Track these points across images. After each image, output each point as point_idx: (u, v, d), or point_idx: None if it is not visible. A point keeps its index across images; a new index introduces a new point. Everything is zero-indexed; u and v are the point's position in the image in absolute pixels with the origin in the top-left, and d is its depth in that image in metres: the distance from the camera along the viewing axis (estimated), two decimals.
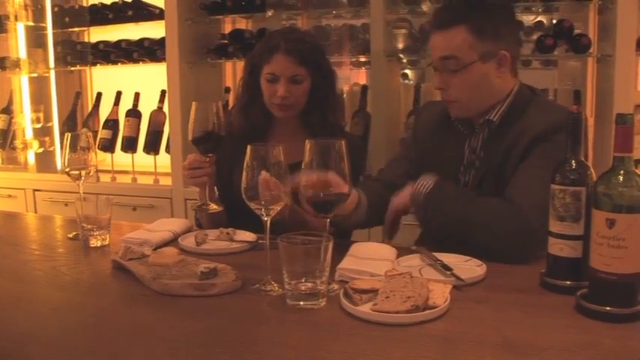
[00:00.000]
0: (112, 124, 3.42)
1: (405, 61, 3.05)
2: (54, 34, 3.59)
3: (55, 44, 3.60)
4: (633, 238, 1.09)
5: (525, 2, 2.76)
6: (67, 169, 1.76)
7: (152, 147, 3.35)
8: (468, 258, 1.45)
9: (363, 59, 3.04)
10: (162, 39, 3.22)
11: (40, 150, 3.69)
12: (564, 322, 1.12)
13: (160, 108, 3.33)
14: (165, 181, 3.29)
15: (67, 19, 3.57)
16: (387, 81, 2.90)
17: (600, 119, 2.74)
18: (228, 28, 3.39)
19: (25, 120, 3.68)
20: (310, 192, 1.28)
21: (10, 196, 3.58)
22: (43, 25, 3.60)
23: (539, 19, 3.01)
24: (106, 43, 3.52)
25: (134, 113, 3.38)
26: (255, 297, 1.28)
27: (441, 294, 1.18)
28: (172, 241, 1.71)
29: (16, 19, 3.58)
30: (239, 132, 1.93)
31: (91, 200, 1.69)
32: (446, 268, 1.37)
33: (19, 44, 3.62)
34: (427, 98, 2.82)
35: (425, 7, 2.78)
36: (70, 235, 1.80)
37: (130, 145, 3.37)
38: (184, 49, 3.17)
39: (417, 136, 1.90)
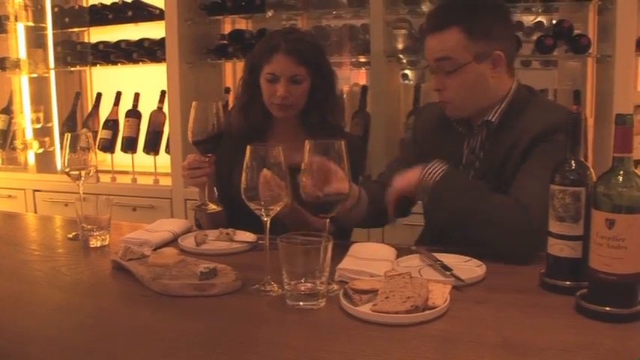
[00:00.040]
0: (111, 124, 3.42)
1: (404, 61, 3.06)
2: (54, 34, 3.59)
3: (55, 44, 3.61)
4: (633, 239, 1.09)
5: (525, 3, 2.76)
6: (66, 170, 1.76)
7: (152, 147, 3.35)
8: (467, 258, 1.45)
9: (363, 59, 3.04)
10: (162, 39, 3.22)
11: (40, 150, 3.70)
12: (564, 322, 1.12)
13: (159, 108, 3.33)
14: (165, 182, 3.29)
15: (67, 20, 3.57)
16: (386, 81, 2.91)
17: (600, 119, 2.74)
18: (228, 29, 3.39)
19: (25, 120, 3.68)
20: (310, 192, 1.28)
21: (10, 196, 3.58)
22: (43, 25, 3.60)
23: (539, 19, 3.01)
24: (105, 43, 3.52)
25: (134, 113, 3.38)
26: (254, 297, 1.28)
27: (440, 294, 1.18)
28: (172, 242, 1.71)
29: (16, 19, 3.58)
30: (238, 132, 1.93)
31: (90, 200, 1.69)
32: (445, 268, 1.37)
33: (19, 44, 3.62)
34: (427, 98, 2.82)
35: (425, 8, 2.78)
36: (70, 236, 1.80)
37: (129, 146, 3.37)
38: (184, 49, 3.17)
39: (416, 137, 1.91)
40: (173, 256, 1.45)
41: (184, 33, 3.17)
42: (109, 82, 3.65)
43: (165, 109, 3.28)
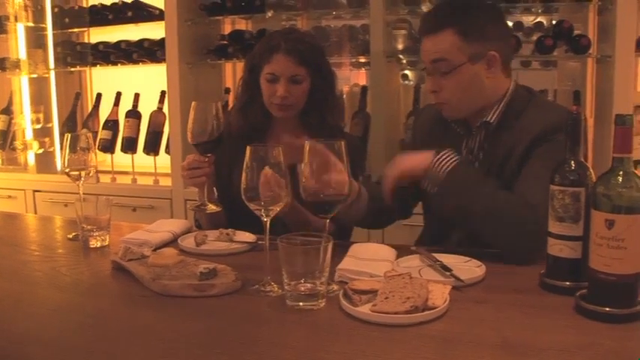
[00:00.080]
0: (111, 124, 3.42)
1: (404, 61, 3.06)
2: (54, 34, 3.59)
3: (55, 45, 3.61)
4: (632, 239, 1.09)
5: (525, 3, 2.76)
6: (66, 170, 1.76)
7: (152, 148, 3.35)
8: (467, 259, 1.45)
9: (362, 60, 3.04)
10: (162, 40, 3.22)
11: (40, 151, 3.70)
12: (564, 322, 1.12)
13: (159, 109, 3.33)
14: (165, 182, 3.29)
15: (66, 20, 3.57)
16: (386, 82, 2.91)
17: (600, 120, 2.74)
18: (227, 29, 3.39)
19: (25, 121, 3.68)
20: (310, 192, 1.28)
21: (10, 196, 3.58)
22: (43, 25, 3.60)
23: (538, 19, 3.01)
24: (105, 43, 3.52)
25: (134, 114, 3.38)
26: (254, 298, 1.28)
27: (440, 295, 1.18)
28: (172, 242, 1.71)
29: (16, 19, 3.58)
30: (238, 132, 1.93)
31: (90, 201, 1.69)
32: (445, 268, 1.37)
33: (19, 45, 3.62)
34: (427, 99, 2.81)
35: (425, 8, 2.78)
36: (70, 236, 1.80)
37: (129, 146, 3.37)
38: (184, 49, 3.17)
39: (415, 138, 1.91)
40: (173, 257, 1.45)
41: (184, 33, 3.17)
42: (109, 83, 3.65)
43: (165, 109, 3.28)
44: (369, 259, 1.44)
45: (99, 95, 3.59)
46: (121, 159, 3.46)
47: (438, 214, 1.72)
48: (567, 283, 1.25)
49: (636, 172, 1.12)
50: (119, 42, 3.47)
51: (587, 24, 2.87)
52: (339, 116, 2.06)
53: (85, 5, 3.70)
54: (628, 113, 1.13)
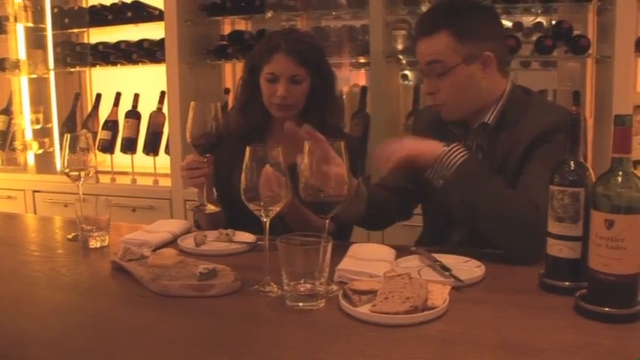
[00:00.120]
0: (111, 125, 3.42)
1: (404, 62, 3.06)
2: (53, 35, 3.59)
3: (55, 45, 3.61)
4: (632, 239, 1.09)
5: (525, 3, 2.77)
6: (66, 170, 1.76)
7: (151, 148, 3.35)
8: (466, 259, 1.45)
9: (362, 60, 3.04)
10: (162, 40, 3.22)
11: (40, 151, 3.70)
12: (563, 322, 1.12)
13: (159, 109, 3.33)
14: (165, 182, 3.29)
15: (66, 21, 3.57)
16: (386, 82, 2.91)
17: (599, 120, 2.74)
18: (227, 30, 3.39)
19: (25, 121, 3.68)
20: (309, 188, 1.28)
21: (9, 197, 3.58)
22: (43, 26, 3.60)
23: (538, 20, 3.01)
24: (105, 44, 3.52)
25: (133, 114, 3.38)
26: (254, 298, 1.28)
27: (439, 295, 1.18)
28: (171, 242, 1.71)
29: (15, 20, 3.59)
30: (237, 132, 1.94)
31: (90, 201, 1.69)
32: (445, 269, 1.37)
33: (18, 45, 3.62)
34: (427, 99, 2.81)
35: (424, 8, 2.78)
36: (70, 236, 1.80)
37: (129, 146, 3.37)
38: (184, 50, 3.18)
39: None
40: (172, 257, 1.45)
41: (184, 34, 3.17)
42: (108, 83, 3.65)
43: (165, 109, 3.28)
44: (369, 259, 1.44)
45: (98, 96, 3.59)
46: (120, 159, 3.46)
47: (442, 208, 1.71)
48: (567, 283, 1.25)
49: (635, 172, 1.13)
50: (119, 42, 3.47)
51: (587, 24, 2.88)
52: (338, 116, 2.06)
53: (84, 6, 3.71)
54: (627, 113, 1.14)
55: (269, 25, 3.16)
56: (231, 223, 1.81)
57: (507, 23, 2.98)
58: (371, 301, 1.17)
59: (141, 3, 3.39)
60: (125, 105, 3.42)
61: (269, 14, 3.08)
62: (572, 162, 1.25)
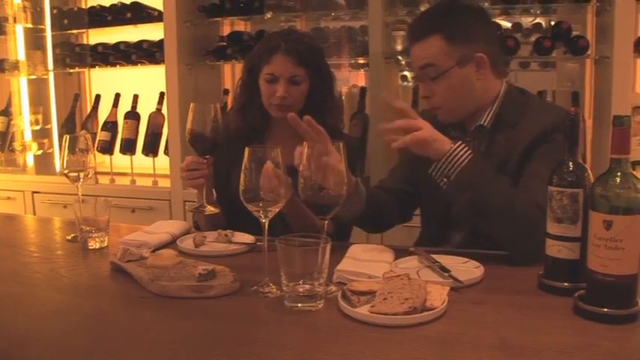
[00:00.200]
0: (110, 126, 3.42)
1: (403, 62, 3.06)
2: (53, 36, 3.59)
3: (54, 46, 3.60)
4: (630, 240, 1.09)
5: (524, 4, 2.77)
6: (65, 171, 1.76)
7: (151, 149, 3.35)
8: (465, 260, 1.46)
9: (361, 61, 3.04)
10: (161, 41, 3.22)
11: (39, 152, 3.70)
12: (562, 323, 1.12)
13: (158, 110, 3.33)
14: (164, 183, 3.29)
15: (65, 21, 3.57)
16: (385, 83, 2.91)
17: (598, 121, 2.74)
18: (226, 30, 3.39)
19: (24, 122, 3.68)
20: (309, 192, 1.28)
21: (8, 198, 3.58)
22: (42, 27, 3.60)
23: (537, 20, 3.01)
24: (104, 45, 3.52)
25: (133, 115, 3.38)
26: (253, 299, 1.28)
27: (438, 296, 1.18)
28: (170, 243, 1.71)
29: (15, 21, 3.59)
30: (236, 133, 1.94)
31: (89, 202, 1.69)
32: (444, 269, 1.37)
33: (17, 46, 3.63)
34: (424, 102, 2.82)
35: (423, 9, 2.78)
36: (69, 237, 1.80)
37: (128, 147, 3.37)
38: (183, 51, 3.17)
39: None
40: (172, 258, 1.45)
41: (183, 35, 3.17)
42: (107, 84, 3.65)
43: (164, 110, 3.28)
44: (368, 260, 1.44)
45: (98, 96, 3.59)
46: (119, 160, 3.46)
47: (441, 209, 1.71)
48: (565, 283, 1.25)
49: (634, 173, 1.13)
50: (118, 43, 3.47)
51: (586, 25, 2.88)
52: (337, 117, 2.06)
53: (83, 6, 3.70)
54: (626, 114, 1.14)
55: (268, 26, 3.16)
56: (230, 224, 1.81)
57: (506, 24, 2.99)
58: (370, 301, 1.17)
59: (140, 4, 3.39)
60: (124, 106, 3.42)
61: (268, 15, 3.08)
62: (570, 163, 1.25)
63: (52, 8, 3.56)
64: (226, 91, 3.36)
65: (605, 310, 1.11)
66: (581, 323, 1.11)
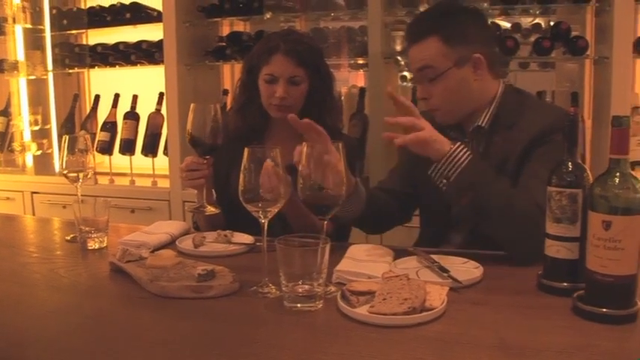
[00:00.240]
0: (110, 126, 3.42)
1: (402, 63, 3.06)
2: (52, 36, 3.59)
3: (53, 47, 3.60)
4: (629, 240, 1.09)
5: (523, 4, 2.77)
6: (64, 172, 1.76)
7: (150, 149, 3.35)
8: (465, 260, 1.46)
9: (361, 61, 3.04)
10: (160, 41, 3.22)
11: (38, 152, 3.70)
12: (561, 323, 1.12)
13: (158, 110, 3.33)
14: (163, 184, 3.29)
15: (65, 22, 3.57)
16: (385, 83, 2.90)
17: (598, 121, 2.74)
18: (226, 31, 3.39)
19: (23, 122, 3.68)
20: (308, 192, 1.28)
21: (8, 198, 3.58)
22: (41, 27, 3.60)
23: (536, 21, 3.02)
24: (104, 45, 3.52)
25: (132, 116, 3.38)
26: (252, 299, 1.28)
27: (437, 296, 1.18)
28: (170, 244, 1.71)
29: (14, 21, 3.58)
30: (236, 133, 1.94)
31: (89, 202, 1.70)
32: (443, 270, 1.37)
33: (17, 46, 3.63)
34: (422, 104, 2.82)
35: (422, 9, 2.78)
36: (68, 238, 1.80)
37: (128, 148, 3.37)
38: (182, 51, 3.18)
39: None
40: (171, 258, 1.45)
41: (182, 35, 3.17)
42: (107, 84, 3.65)
43: (164, 111, 3.28)
44: (367, 260, 1.45)
45: (97, 97, 3.59)
46: (119, 161, 3.46)
47: (440, 210, 1.71)
48: (565, 284, 1.25)
49: (633, 173, 1.13)
50: (117, 43, 3.47)
51: (585, 25, 2.88)
52: (337, 117, 2.06)
53: (83, 7, 3.70)
54: (625, 115, 1.14)
55: (267, 27, 3.16)
56: (229, 225, 1.81)
57: (506, 24, 2.99)
58: (369, 302, 1.17)
59: (139, 4, 3.39)
60: (124, 106, 3.42)
61: (267, 15, 3.08)
62: (569, 163, 1.25)
63: (51, 8, 3.56)
64: (226, 92, 3.36)
65: (605, 310, 1.11)
66: (581, 323, 1.11)
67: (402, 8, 2.92)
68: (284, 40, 1.89)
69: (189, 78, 3.23)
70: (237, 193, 1.29)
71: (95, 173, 3.15)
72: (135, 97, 3.38)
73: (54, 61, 3.62)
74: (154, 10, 3.35)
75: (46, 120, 3.71)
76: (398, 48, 2.94)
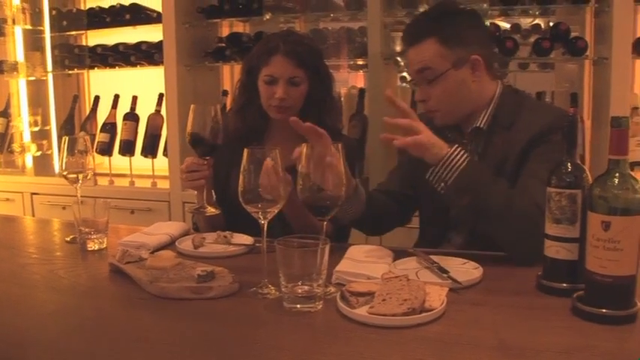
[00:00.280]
0: (109, 127, 3.42)
1: (402, 63, 3.06)
2: (52, 37, 3.58)
3: (53, 48, 3.60)
4: (628, 241, 1.09)
5: (522, 5, 2.77)
6: (64, 173, 1.76)
7: (150, 150, 3.35)
8: (464, 261, 1.46)
9: (360, 62, 3.05)
10: (160, 42, 3.22)
11: (38, 153, 3.70)
12: (561, 324, 1.12)
13: (157, 111, 3.33)
14: (163, 185, 3.29)
15: (64, 23, 3.57)
16: (384, 84, 2.91)
17: (597, 121, 2.75)
18: (225, 32, 3.40)
19: (23, 123, 3.68)
20: (308, 193, 1.28)
21: (7, 199, 3.58)
22: (41, 28, 3.60)
23: (536, 22, 3.02)
24: (103, 46, 3.52)
25: (132, 117, 3.38)
26: (252, 300, 1.28)
27: (437, 297, 1.18)
28: (170, 245, 1.71)
29: (13, 22, 3.59)
30: (235, 134, 1.94)
31: (88, 204, 1.70)
32: (442, 270, 1.37)
33: (16, 48, 3.63)
34: (421, 105, 2.82)
35: (422, 10, 2.78)
36: (68, 239, 1.80)
37: (127, 149, 3.37)
38: (182, 52, 3.18)
39: None
40: (170, 259, 1.45)
41: (182, 36, 3.17)
42: (106, 85, 3.65)
43: (163, 112, 3.28)
44: (367, 261, 1.45)
45: (97, 98, 3.59)
46: (118, 162, 3.46)
47: (440, 211, 1.71)
48: (564, 284, 1.25)
49: (632, 174, 1.13)
50: (117, 45, 3.47)
51: (584, 26, 2.88)
52: (336, 118, 2.06)
53: (82, 8, 3.70)
54: (624, 115, 1.14)
55: (267, 28, 3.16)
56: (229, 225, 1.81)
57: (505, 25, 2.99)
58: (369, 302, 1.17)
59: (139, 5, 3.39)
60: (123, 107, 3.42)
61: (267, 16, 3.08)
62: (569, 164, 1.25)
63: (50, 9, 3.56)
64: (225, 93, 3.37)
65: (604, 310, 1.11)
66: (580, 324, 1.11)
67: (402, 9, 2.92)
68: (283, 41, 1.89)
69: (189, 79, 3.23)
70: (236, 194, 1.29)
71: (95, 174, 3.15)
72: (134, 98, 3.38)
73: (53, 62, 3.61)
74: (153, 11, 3.35)
75: (45, 121, 3.71)
76: (397, 49, 2.94)
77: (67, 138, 1.75)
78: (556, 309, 1.18)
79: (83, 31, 3.59)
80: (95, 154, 3.31)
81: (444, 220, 1.76)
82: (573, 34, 2.73)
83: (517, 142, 1.60)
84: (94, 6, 3.55)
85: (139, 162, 3.40)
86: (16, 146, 3.68)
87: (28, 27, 3.63)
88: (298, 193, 1.29)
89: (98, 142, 3.39)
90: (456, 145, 1.51)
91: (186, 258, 1.52)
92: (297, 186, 1.29)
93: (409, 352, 1.02)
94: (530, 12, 2.88)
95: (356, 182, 1.59)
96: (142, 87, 3.43)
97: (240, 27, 3.42)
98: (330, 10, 3.07)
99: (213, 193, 1.88)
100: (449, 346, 1.04)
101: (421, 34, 1.67)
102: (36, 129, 3.71)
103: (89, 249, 1.68)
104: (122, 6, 3.40)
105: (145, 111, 3.36)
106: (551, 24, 2.88)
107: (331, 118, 1.97)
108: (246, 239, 1.70)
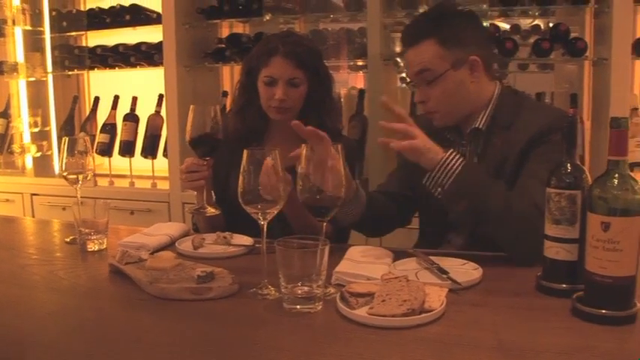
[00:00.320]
0: (109, 128, 3.42)
1: (402, 64, 3.06)
2: (52, 38, 3.59)
3: (53, 48, 3.60)
4: (628, 241, 1.09)
5: (522, 6, 2.77)
6: (64, 173, 1.76)
7: (150, 151, 3.35)
8: (464, 261, 1.46)
9: (360, 63, 3.05)
10: (160, 43, 3.22)
11: (38, 154, 3.70)
12: (560, 325, 1.12)
13: (157, 112, 3.33)
14: (163, 185, 3.29)
15: (64, 24, 3.57)
16: (384, 85, 2.91)
17: (597, 122, 2.75)
18: (225, 33, 3.40)
19: (23, 124, 3.68)
20: (307, 195, 1.28)
21: (7, 200, 3.58)
22: (41, 29, 3.60)
23: (535, 22, 3.02)
24: (103, 47, 3.52)
25: (132, 117, 3.38)
26: (251, 301, 1.28)
27: (437, 297, 1.18)
28: (169, 245, 1.71)
29: (13, 23, 3.59)
30: (235, 135, 1.94)
31: (88, 204, 1.70)
32: (442, 271, 1.37)
33: (16, 48, 3.63)
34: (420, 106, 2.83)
35: (422, 11, 2.78)
36: (68, 240, 1.80)
37: (127, 150, 3.37)
38: (182, 53, 3.18)
39: None
40: (170, 260, 1.45)
41: (182, 37, 3.17)
42: (106, 86, 3.65)
43: (163, 112, 3.28)
44: (366, 262, 1.45)
45: (97, 99, 3.59)
46: (118, 162, 3.46)
47: (439, 213, 1.71)
48: (564, 285, 1.25)
49: (632, 174, 1.13)
50: (117, 45, 3.47)
51: (584, 27, 2.88)
52: (336, 119, 2.06)
53: (82, 9, 3.71)
54: (623, 116, 1.14)
55: (267, 28, 3.16)
56: (229, 226, 1.81)
57: (505, 25, 2.99)
58: (368, 303, 1.17)
59: (139, 6, 3.39)
60: (123, 108, 3.42)
61: (267, 17, 3.08)
62: (568, 164, 1.25)
63: (50, 10, 3.56)
64: (225, 93, 3.37)
65: (604, 311, 1.11)
66: (580, 325, 1.11)
67: (401, 10, 2.92)
68: (283, 42, 1.89)
69: (189, 80, 3.23)
70: (236, 195, 1.29)
71: (95, 175, 3.15)
72: (134, 99, 3.38)
73: (53, 62, 3.61)
74: (153, 11, 3.35)
75: (45, 122, 3.71)
76: (397, 50, 2.94)
77: (66, 139, 1.76)
78: (556, 310, 1.18)
79: (83, 32, 3.60)
80: (95, 154, 3.31)
81: (444, 221, 1.76)
82: (573, 35, 2.73)
83: (516, 143, 1.61)
84: (94, 7, 3.55)
85: (139, 163, 3.40)
86: (16, 147, 3.68)
87: (28, 28, 3.63)
88: (298, 193, 1.29)
89: (98, 142, 3.40)
90: (452, 150, 1.51)
91: (186, 259, 1.52)
92: (297, 187, 1.29)
93: (409, 353, 1.02)
94: (530, 13, 2.88)
95: (356, 185, 1.59)
96: (142, 88, 3.44)
97: (239, 28, 3.42)
98: (330, 11, 3.07)
99: (213, 194, 1.88)
100: (448, 346, 1.04)
101: (420, 35, 1.67)
102: (36, 130, 3.71)
103: (89, 250, 1.68)
104: (122, 7, 3.40)
105: (144, 112, 3.37)
106: (550, 25, 2.88)
107: (331, 119, 1.97)
108: (245, 240, 1.70)
